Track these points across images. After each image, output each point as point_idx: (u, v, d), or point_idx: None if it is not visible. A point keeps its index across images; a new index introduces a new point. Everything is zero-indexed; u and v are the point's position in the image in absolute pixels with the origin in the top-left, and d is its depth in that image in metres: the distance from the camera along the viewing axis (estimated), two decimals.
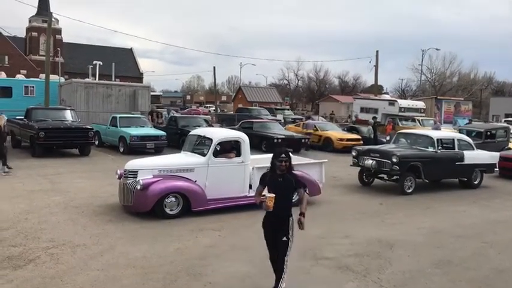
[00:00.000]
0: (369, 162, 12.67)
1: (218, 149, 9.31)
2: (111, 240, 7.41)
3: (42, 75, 28.20)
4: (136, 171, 8.88)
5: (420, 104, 34.21)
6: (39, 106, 20.91)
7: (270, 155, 5.47)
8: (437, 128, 24.04)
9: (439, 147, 12.98)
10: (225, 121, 32.01)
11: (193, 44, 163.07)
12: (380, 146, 14.92)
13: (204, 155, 9.27)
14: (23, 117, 18.37)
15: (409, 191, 12.34)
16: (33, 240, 7.23)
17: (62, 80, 32.12)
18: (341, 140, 22.41)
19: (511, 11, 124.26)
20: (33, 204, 9.55)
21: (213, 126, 23.29)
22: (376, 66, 40.08)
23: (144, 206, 8.68)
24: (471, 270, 6.77)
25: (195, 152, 9.63)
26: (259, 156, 11.26)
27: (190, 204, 8.93)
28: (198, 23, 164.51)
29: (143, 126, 19.58)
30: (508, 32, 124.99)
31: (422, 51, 61.00)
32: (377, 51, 39.98)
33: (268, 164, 5.39)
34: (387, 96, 41.40)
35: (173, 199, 8.82)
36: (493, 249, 7.85)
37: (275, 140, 20.34)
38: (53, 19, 35.58)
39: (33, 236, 7.43)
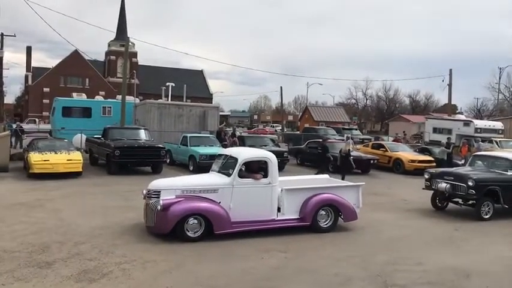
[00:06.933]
0: (443, 185, 12.10)
1: (243, 169, 8.99)
2: (179, 258, 7.57)
3: (119, 96, 29.71)
4: (159, 191, 8.72)
5: (498, 125, 32.48)
6: (115, 126, 22.01)
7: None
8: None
9: None
10: (291, 140, 32.03)
11: (260, 65, 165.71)
12: (455, 168, 14.23)
13: (229, 175, 8.93)
14: (100, 136, 19.39)
15: (487, 216, 11.62)
16: (106, 255, 7.53)
17: (137, 100, 33.64)
18: (412, 161, 21.62)
19: None
20: (108, 220, 9.98)
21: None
22: (450, 85, 38.61)
23: (164, 228, 8.48)
24: None
25: (221, 172, 9.31)
26: (288, 178, 10.57)
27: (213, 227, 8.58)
28: (265, 44, 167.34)
29: (212, 146, 20.01)
30: None
31: (500, 69, 57.95)
32: (450, 70, 38.68)
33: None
34: (462, 116, 39.64)
35: (195, 221, 8.50)
36: None
37: None
38: (130, 43, 37.53)
39: (106, 251, 7.75)
